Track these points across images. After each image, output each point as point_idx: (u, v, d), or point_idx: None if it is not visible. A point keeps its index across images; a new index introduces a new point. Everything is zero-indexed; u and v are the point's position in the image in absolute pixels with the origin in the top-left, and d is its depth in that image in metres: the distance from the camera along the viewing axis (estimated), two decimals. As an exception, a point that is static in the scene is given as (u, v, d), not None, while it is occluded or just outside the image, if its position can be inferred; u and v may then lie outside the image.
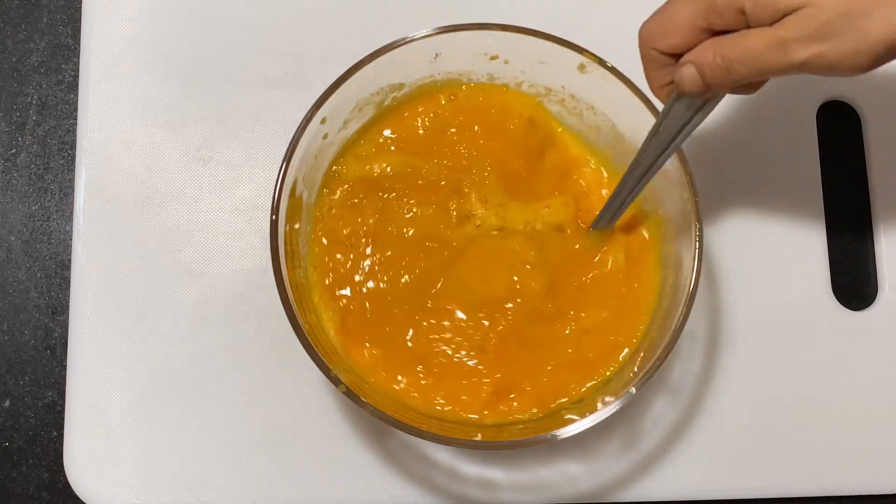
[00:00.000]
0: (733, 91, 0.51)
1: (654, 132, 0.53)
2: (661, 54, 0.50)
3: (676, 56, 0.50)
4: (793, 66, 0.46)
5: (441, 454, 0.61)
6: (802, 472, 0.62)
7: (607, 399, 0.53)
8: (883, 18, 0.44)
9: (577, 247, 0.58)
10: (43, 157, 0.67)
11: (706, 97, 0.51)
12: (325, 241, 0.59)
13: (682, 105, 0.51)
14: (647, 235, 0.59)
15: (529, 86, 0.61)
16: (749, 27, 0.47)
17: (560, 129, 0.62)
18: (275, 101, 0.66)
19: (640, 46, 0.51)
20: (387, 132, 0.60)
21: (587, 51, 0.56)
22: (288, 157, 0.54)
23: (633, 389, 0.51)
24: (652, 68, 0.52)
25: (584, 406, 0.55)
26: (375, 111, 0.60)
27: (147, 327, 0.62)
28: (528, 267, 0.57)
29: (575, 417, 0.52)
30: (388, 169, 0.60)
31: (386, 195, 0.59)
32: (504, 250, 0.58)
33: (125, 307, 0.62)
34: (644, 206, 0.59)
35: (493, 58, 0.59)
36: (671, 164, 0.55)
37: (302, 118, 0.54)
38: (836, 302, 0.65)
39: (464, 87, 0.61)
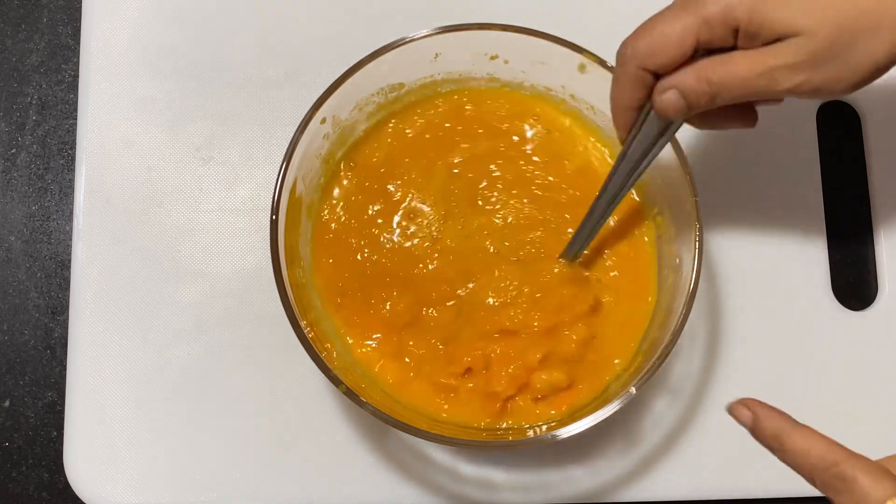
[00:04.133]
0: (719, 125, 0.51)
1: (622, 157, 0.53)
2: (646, 72, 0.48)
3: (657, 76, 0.49)
4: (779, 92, 0.46)
5: (440, 454, 0.61)
6: (802, 473, 0.62)
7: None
8: (867, 47, 0.45)
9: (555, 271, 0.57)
10: (43, 157, 0.67)
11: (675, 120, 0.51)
12: (325, 239, 0.59)
13: (651, 128, 0.51)
14: (646, 238, 0.59)
15: (529, 86, 0.61)
16: (735, 47, 0.46)
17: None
18: (275, 101, 0.66)
19: (624, 64, 0.49)
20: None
21: (587, 51, 0.56)
22: (288, 157, 0.54)
23: (633, 389, 0.51)
24: (629, 88, 0.49)
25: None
26: (375, 110, 0.60)
27: (147, 327, 0.62)
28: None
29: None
30: (388, 168, 0.60)
31: (385, 194, 0.59)
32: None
33: (125, 307, 0.62)
34: (644, 207, 0.60)
35: (493, 58, 0.59)
36: (671, 164, 0.55)
37: (302, 118, 0.54)
38: (836, 302, 0.65)
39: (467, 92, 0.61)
